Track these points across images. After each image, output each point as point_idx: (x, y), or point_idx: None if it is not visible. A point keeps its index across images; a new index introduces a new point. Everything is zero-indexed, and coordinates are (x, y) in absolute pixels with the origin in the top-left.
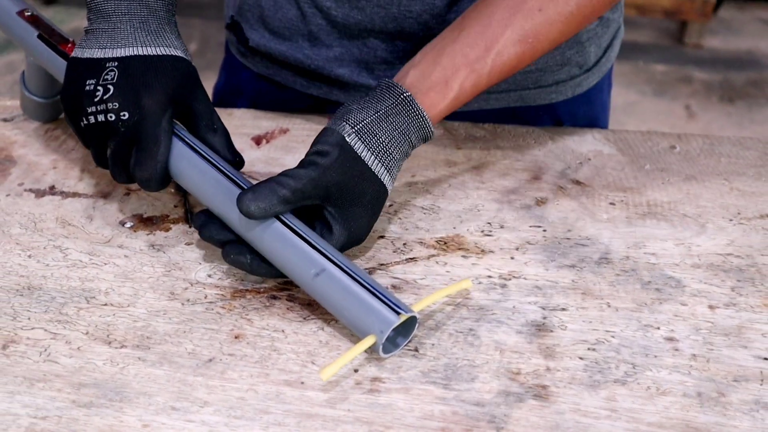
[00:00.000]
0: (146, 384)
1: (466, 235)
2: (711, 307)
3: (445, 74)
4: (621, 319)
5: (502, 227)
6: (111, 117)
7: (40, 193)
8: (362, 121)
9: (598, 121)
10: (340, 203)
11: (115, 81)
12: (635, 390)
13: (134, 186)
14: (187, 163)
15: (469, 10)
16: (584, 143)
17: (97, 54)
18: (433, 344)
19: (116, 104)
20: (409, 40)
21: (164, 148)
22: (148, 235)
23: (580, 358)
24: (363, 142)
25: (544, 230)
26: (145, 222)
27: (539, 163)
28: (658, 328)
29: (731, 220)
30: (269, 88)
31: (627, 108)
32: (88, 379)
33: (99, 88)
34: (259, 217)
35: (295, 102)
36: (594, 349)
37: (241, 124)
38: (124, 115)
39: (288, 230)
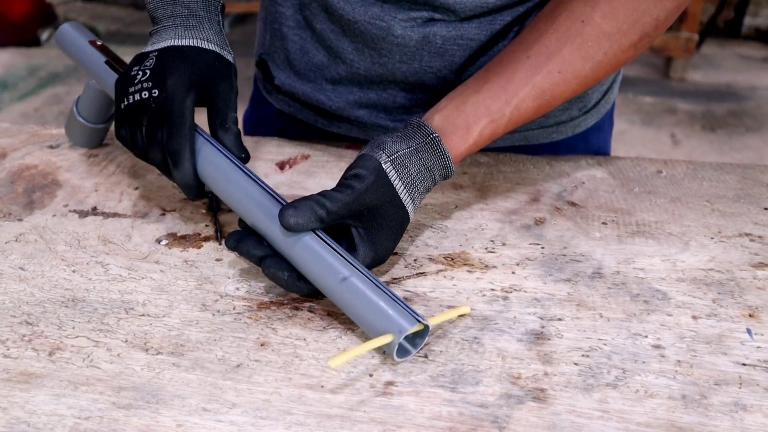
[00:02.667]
0: (180, 387)
1: (471, 252)
2: (694, 317)
3: (468, 121)
4: (612, 328)
5: (504, 245)
6: (145, 95)
7: (83, 214)
8: (397, 152)
9: (601, 152)
10: (369, 225)
11: (151, 67)
12: (625, 393)
13: (169, 206)
14: (222, 174)
15: (494, 62)
16: (579, 168)
17: (147, 49)
18: (441, 351)
19: (150, 83)
20: (428, 91)
21: (189, 123)
22: (181, 251)
23: (575, 364)
24: (396, 172)
25: (543, 247)
26: (179, 240)
27: (538, 186)
28: (646, 337)
29: (712, 238)
30: (291, 125)
31: (617, 136)
32: (127, 383)
33: (139, 72)
34: (296, 231)
35: (315, 137)
36: (588, 356)
37: (266, 150)
38: (155, 93)
39: (319, 241)
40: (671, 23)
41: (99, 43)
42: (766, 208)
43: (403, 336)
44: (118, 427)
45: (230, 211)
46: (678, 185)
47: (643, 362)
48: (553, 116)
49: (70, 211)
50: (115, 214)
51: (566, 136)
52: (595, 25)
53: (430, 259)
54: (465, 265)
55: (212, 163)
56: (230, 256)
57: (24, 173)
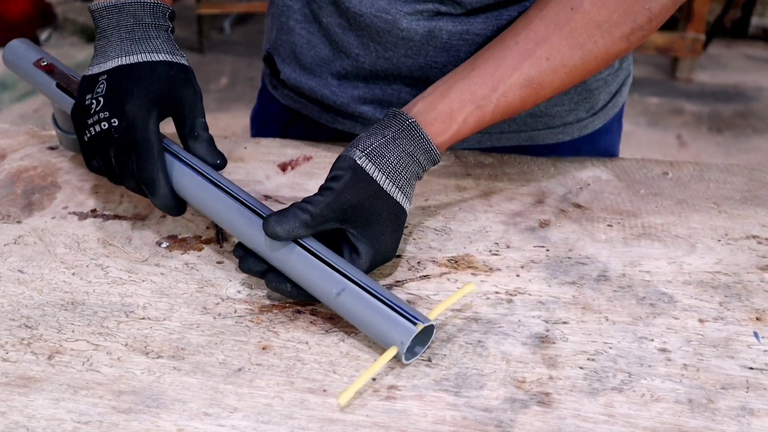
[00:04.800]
0: (181, 391)
1: (476, 255)
2: (701, 320)
3: (451, 107)
4: (618, 331)
5: (508, 247)
6: (104, 126)
7: (83, 216)
8: (371, 144)
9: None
10: (360, 223)
11: (103, 93)
12: (631, 397)
13: None
14: (200, 192)
15: (483, 50)
16: (584, 170)
17: (94, 71)
18: (444, 355)
19: (107, 113)
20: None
21: (158, 148)
22: (182, 254)
23: (581, 368)
24: (373, 164)
25: (547, 250)
26: (180, 242)
27: (542, 188)
28: (652, 340)
29: (719, 240)
30: (296, 121)
31: (623, 138)
32: (127, 387)
33: (93, 101)
34: (284, 239)
35: (320, 134)
36: (593, 359)
37: (267, 152)
38: (114, 122)
39: (309, 254)
40: (666, 17)
41: (44, 63)
42: None
43: (406, 346)
44: (118, 431)
45: None
46: (684, 187)
47: (649, 366)
48: (560, 117)
49: (69, 213)
50: (115, 217)
51: (572, 138)
52: (585, 13)
53: (434, 262)
54: (469, 267)
55: (188, 184)
56: (231, 258)
57: (23, 175)
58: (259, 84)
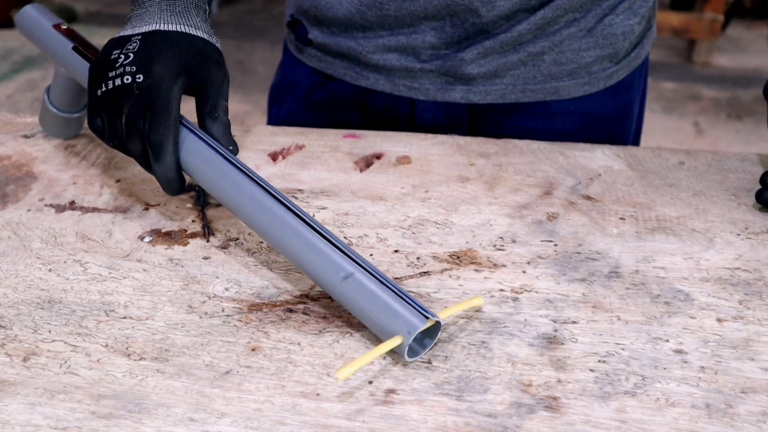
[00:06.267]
0: (165, 396)
1: (479, 250)
2: (719, 320)
3: None
4: (631, 331)
5: (513, 242)
6: (127, 80)
7: (60, 209)
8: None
9: (630, 116)
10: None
11: (135, 50)
12: (645, 401)
13: (153, 201)
14: (210, 166)
15: None
16: (595, 159)
17: (127, 32)
18: (446, 356)
19: (134, 68)
20: (459, 26)
21: (175, 113)
22: (166, 249)
23: (591, 370)
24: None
25: (555, 245)
26: (164, 237)
27: (550, 178)
28: (668, 341)
29: (739, 234)
30: (321, 82)
31: None
32: (107, 391)
33: (121, 55)
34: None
35: (343, 95)
36: (604, 362)
37: (257, 140)
38: (139, 78)
39: (316, 235)
40: None
41: (64, 27)
42: None
43: (413, 336)
44: None
45: (219, 205)
46: (702, 177)
47: (664, 368)
48: (585, 66)
49: (46, 205)
50: (94, 209)
51: (598, 89)
52: None
53: (435, 257)
54: (472, 263)
55: (199, 155)
56: (219, 254)
57: None
58: (249, 68)
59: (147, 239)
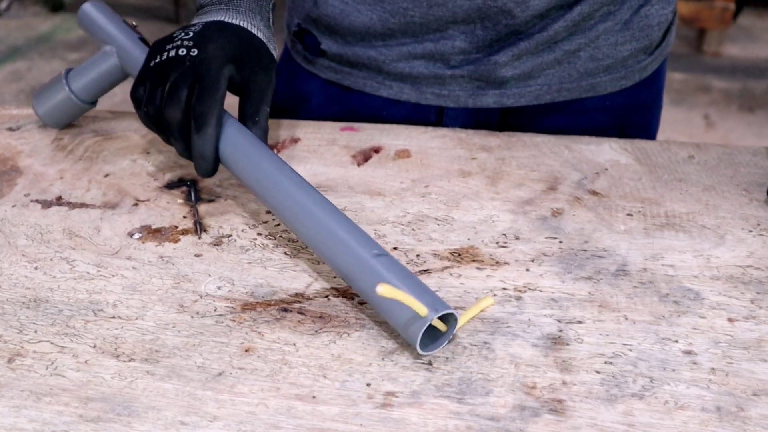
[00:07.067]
0: (155, 398)
1: (481, 247)
2: (730, 319)
3: None
4: (638, 332)
5: (517, 239)
6: (182, 52)
7: (46, 204)
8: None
9: (660, 106)
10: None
11: (196, 30)
12: (653, 404)
13: (143, 196)
14: (249, 154)
15: None
16: (601, 153)
17: (193, 22)
18: (446, 357)
19: (191, 42)
20: (491, 28)
21: (222, 91)
22: (156, 246)
23: (597, 372)
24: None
25: (560, 242)
26: (154, 233)
27: (555, 173)
28: (677, 342)
29: (751, 231)
30: (338, 94)
31: None
32: (95, 393)
33: (181, 32)
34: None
35: (362, 107)
36: (611, 363)
37: None
38: (193, 52)
39: (348, 219)
40: None
41: (133, 23)
42: None
43: (439, 314)
44: None
45: (211, 201)
46: (712, 172)
47: (673, 370)
48: (621, 59)
49: (31, 201)
50: (82, 205)
51: (633, 83)
52: None
53: (435, 255)
54: (474, 261)
55: (239, 140)
56: (211, 251)
57: None
58: None
59: (136, 236)
